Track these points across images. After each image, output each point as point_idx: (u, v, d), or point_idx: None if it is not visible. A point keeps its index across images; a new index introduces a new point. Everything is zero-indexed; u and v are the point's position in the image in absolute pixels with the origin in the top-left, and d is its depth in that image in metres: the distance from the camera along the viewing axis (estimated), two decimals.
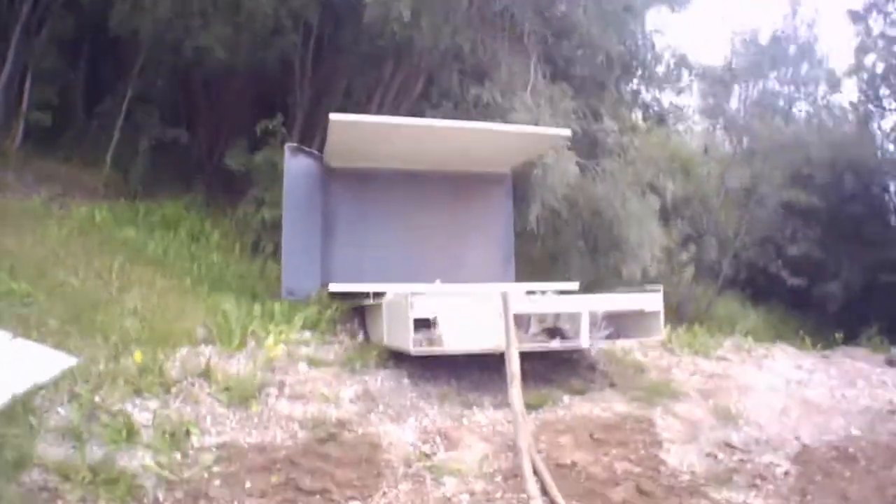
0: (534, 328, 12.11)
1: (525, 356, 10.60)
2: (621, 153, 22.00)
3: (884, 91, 34.59)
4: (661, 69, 27.54)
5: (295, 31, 21.81)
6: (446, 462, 8.67)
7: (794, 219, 31.70)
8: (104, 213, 19.07)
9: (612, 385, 12.18)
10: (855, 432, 11.03)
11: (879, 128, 35.24)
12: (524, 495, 6.58)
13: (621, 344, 12.94)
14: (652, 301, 12.04)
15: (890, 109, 34.63)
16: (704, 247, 28.97)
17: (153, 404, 8.98)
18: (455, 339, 10.70)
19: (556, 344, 11.52)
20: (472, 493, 7.67)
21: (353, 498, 7.83)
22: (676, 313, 16.62)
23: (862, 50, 34.86)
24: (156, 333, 11.23)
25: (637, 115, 28.62)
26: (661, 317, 12.01)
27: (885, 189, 33.76)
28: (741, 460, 9.72)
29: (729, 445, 10.16)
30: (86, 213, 18.67)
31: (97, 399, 8.63)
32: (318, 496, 7.76)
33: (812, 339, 18.00)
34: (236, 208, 21.53)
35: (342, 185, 15.85)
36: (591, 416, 10.77)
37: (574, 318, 11.51)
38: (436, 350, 10.73)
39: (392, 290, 11.65)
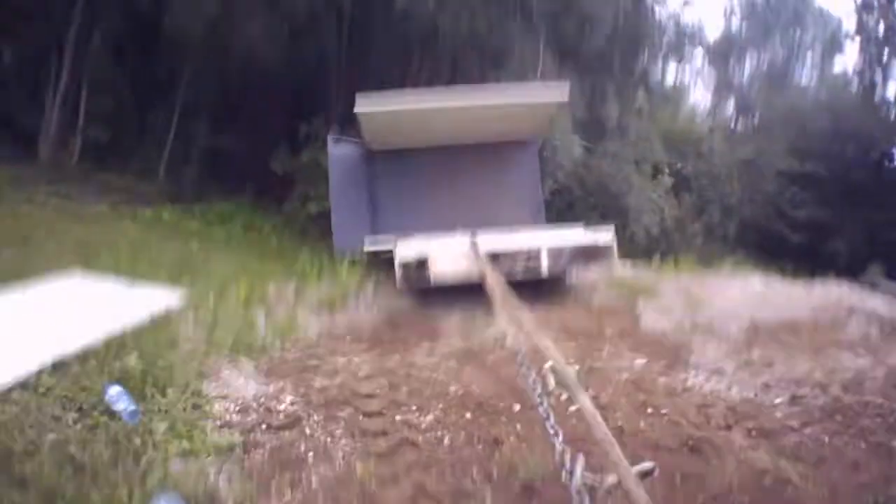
0: (519, 265, 13.34)
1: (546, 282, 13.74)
2: (622, 135, 24.11)
3: (886, 52, 35.32)
4: (663, 41, 29.25)
5: (329, 24, 23.93)
6: (484, 327, 11.14)
7: (795, 186, 33.08)
8: (168, 212, 21.11)
9: (609, 290, 14.31)
10: (800, 314, 12.77)
11: (882, 97, 35.91)
12: (537, 343, 7.94)
13: (578, 270, 14.22)
14: (604, 236, 13.51)
15: (893, 71, 35.52)
16: (710, 213, 30.64)
17: (262, 314, 11.32)
18: (440, 273, 12.55)
19: (518, 273, 12.91)
20: (503, 342, 9.82)
21: (422, 344, 10.52)
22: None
23: (864, 9, 35.69)
24: (249, 277, 13.48)
25: (641, 96, 29.71)
26: (615, 250, 13.49)
27: (888, 155, 34.67)
28: (702, 327, 11.78)
29: (693, 320, 12.18)
30: (152, 214, 20.75)
31: (217, 312, 10.76)
32: (398, 344, 10.51)
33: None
34: (282, 205, 23.45)
35: (383, 163, 17.49)
36: (591, 304, 13.44)
37: (540, 253, 13.09)
38: (422, 282, 12.74)
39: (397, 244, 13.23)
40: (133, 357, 7.76)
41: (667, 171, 27.09)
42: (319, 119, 23.10)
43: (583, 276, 15.01)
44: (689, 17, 32.90)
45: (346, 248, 16.20)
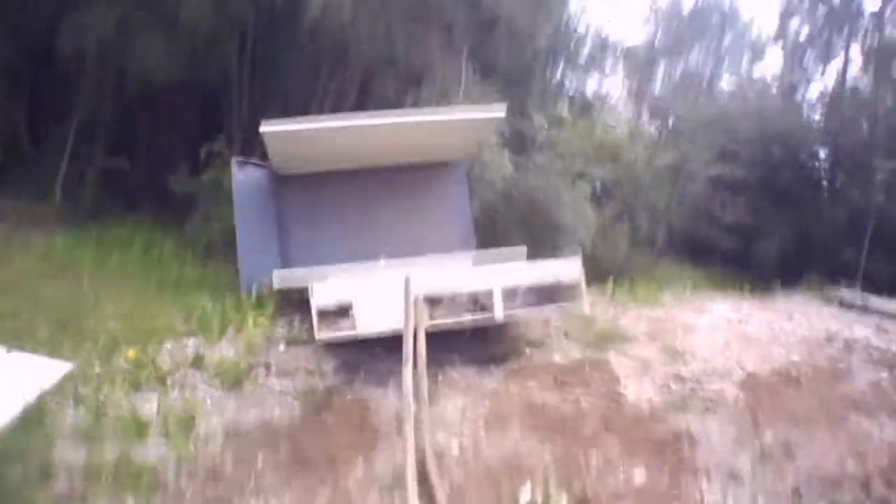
0: (467, 310, 11.30)
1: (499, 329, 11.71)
2: (550, 147, 22.94)
3: (808, 56, 35.37)
4: (584, 51, 28.66)
5: (232, 41, 22.46)
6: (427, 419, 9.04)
7: (725, 191, 32.78)
8: (62, 239, 19.39)
9: (566, 336, 12.45)
10: (795, 358, 11.63)
11: (803, 97, 36.15)
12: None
13: (541, 314, 12.14)
14: (570, 269, 11.41)
15: (815, 75, 35.55)
16: (637, 219, 29.82)
17: (154, 396, 9.52)
18: (368, 322, 10.52)
19: (466, 319, 11.01)
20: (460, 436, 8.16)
21: (355, 460, 8.53)
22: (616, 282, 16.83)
23: (786, 14, 35.61)
24: (140, 332, 11.77)
25: (563, 106, 29.34)
26: (583, 284, 11.29)
27: (813, 155, 34.40)
28: (692, 389, 10.40)
29: (679, 377, 10.78)
30: (45, 241, 18.97)
31: (101, 398, 9.16)
32: (324, 463, 8.46)
33: (752, 292, 17.77)
34: (183, 225, 21.87)
35: (293, 190, 15.86)
36: (553, 362, 11.42)
37: (493, 295, 10.90)
38: (345, 335, 10.66)
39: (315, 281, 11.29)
40: None
41: (586, 178, 25.98)
42: (221, 139, 21.45)
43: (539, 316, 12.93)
44: (610, 30, 32.73)
45: (254, 283, 14.34)
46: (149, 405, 9.27)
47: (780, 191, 32.27)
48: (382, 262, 13.04)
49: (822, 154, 34.51)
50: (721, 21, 34.91)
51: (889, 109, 30.65)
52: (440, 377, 10.34)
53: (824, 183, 33.94)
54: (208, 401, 9.80)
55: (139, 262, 18.87)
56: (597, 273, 16.31)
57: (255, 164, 16.11)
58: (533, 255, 14.82)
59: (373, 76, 22.48)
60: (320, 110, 22.33)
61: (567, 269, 11.31)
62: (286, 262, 15.18)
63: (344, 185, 15.90)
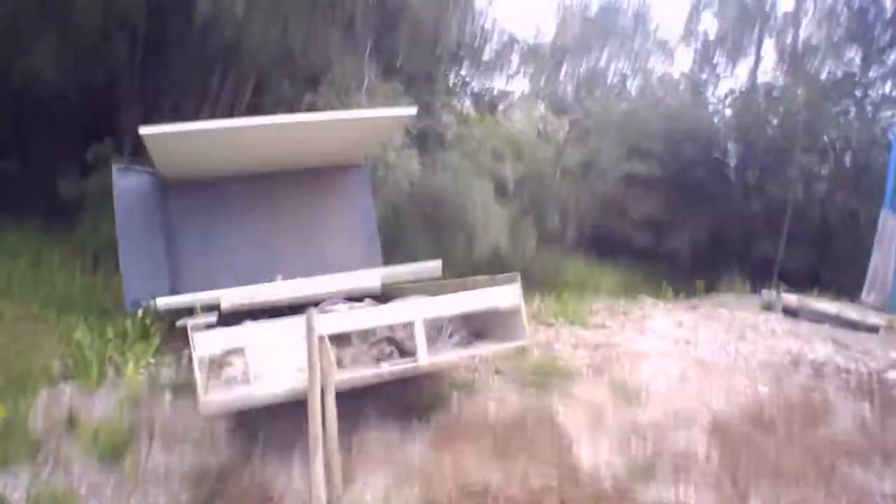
0: (383, 351, 9.63)
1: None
2: (458, 144, 23.03)
3: (718, 54, 36.00)
4: (490, 50, 29.44)
5: (121, 39, 21.69)
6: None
7: (636, 188, 32.62)
8: None
9: (497, 372, 10.96)
10: (763, 391, 10.68)
11: (714, 93, 36.39)
12: None
13: (476, 353, 10.22)
14: (508, 295, 9.56)
15: (724, 75, 36.24)
16: (546, 212, 29.50)
17: (24, 477, 8.31)
18: (265, 385, 8.34)
19: (384, 371, 9.09)
20: None
21: None
22: (524, 280, 15.79)
23: (695, 12, 36.23)
24: (14, 377, 10.32)
25: (468, 105, 29.83)
26: (524, 314, 9.60)
27: (725, 152, 34.47)
28: (656, 447, 9.32)
29: (638, 429, 9.63)
30: None
31: None
32: None
33: (671, 291, 17.66)
34: (73, 232, 20.93)
35: (182, 198, 14.68)
36: (488, 415, 10.00)
37: (414, 329, 9.01)
38: (237, 401, 8.49)
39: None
40: None
41: (494, 175, 25.47)
42: (107, 142, 20.86)
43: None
44: (516, 28, 33.80)
45: (139, 309, 12.82)
46: (19, 491, 8.04)
47: (692, 187, 32.37)
48: (279, 280, 12.12)
49: (733, 150, 34.75)
50: (629, 21, 34.95)
51: (804, 104, 30.48)
52: (355, 442, 8.91)
53: (734, 180, 33.91)
54: (84, 484, 8.45)
55: (25, 275, 17.74)
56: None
57: (138, 169, 14.87)
58: (444, 258, 13.82)
59: (269, 74, 21.90)
60: (213, 110, 21.79)
61: (504, 294, 9.60)
62: (175, 280, 14.08)
63: (237, 191, 14.88)
